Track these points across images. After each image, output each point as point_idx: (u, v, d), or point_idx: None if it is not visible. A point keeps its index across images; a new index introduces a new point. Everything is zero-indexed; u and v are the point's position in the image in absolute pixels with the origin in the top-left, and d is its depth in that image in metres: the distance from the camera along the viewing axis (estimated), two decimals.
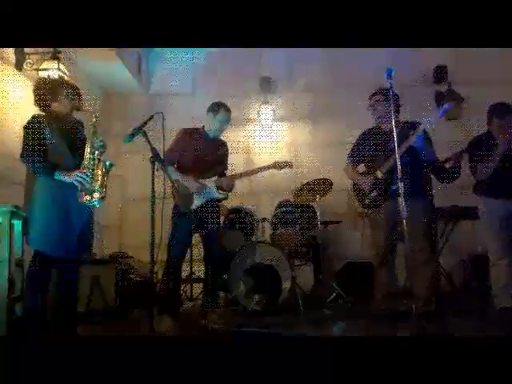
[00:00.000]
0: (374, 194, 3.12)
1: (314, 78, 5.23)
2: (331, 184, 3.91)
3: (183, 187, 3.12)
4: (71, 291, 2.57)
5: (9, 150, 3.48)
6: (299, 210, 3.91)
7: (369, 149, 3.21)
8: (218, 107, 3.30)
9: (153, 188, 2.58)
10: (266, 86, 5.24)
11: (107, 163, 2.54)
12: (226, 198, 3.38)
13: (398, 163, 2.44)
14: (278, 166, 3.42)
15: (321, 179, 3.88)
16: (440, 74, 5.04)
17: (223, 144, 3.45)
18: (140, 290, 3.83)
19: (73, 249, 2.47)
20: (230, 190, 3.35)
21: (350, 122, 4.94)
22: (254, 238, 3.88)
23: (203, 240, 3.28)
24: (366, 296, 3.53)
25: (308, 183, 3.85)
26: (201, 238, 3.33)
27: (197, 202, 3.13)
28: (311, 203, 4.18)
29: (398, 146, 2.52)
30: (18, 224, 2.49)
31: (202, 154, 3.22)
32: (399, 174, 2.42)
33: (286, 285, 3.46)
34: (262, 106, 5.22)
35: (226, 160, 3.46)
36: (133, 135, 2.61)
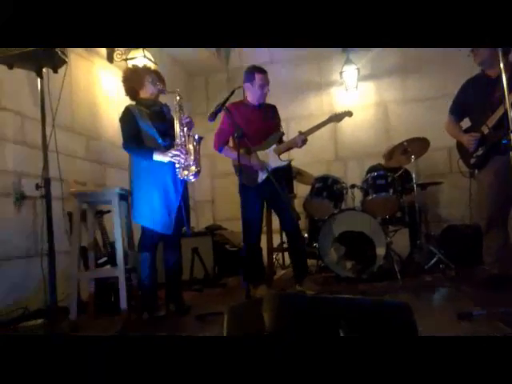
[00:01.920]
0: (480, 152, 2.78)
1: None
2: (428, 143, 3.60)
3: (245, 165, 2.97)
4: (176, 261, 2.78)
5: (112, 139, 3.81)
6: (392, 173, 3.68)
7: (473, 100, 2.83)
8: (252, 73, 3.11)
9: (239, 163, 2.63)
10: None
11: (196, 137, 2.65)
12: (289, 166, 3.24)
13: (510, 113, 2.12)
14: (335, 118, 3.15)
15: (415, 138, 3.59)
16: None
17: (273, 108, 3.26)
18: (235, 259, 4.00)
19: (174, 222, 2.66)
20: (302, 145, 3.13)
21: (446, 73, 4.49)
22: (343, 206, 3.78)
23: (275, 211, 3.24)
24: (472, 261, 3.26)
25: (401, 144, 3.60)
26: (273, 210, 3.30)
27: (262, 176, 3.02)
28: (405, 165, 3.92)
29: (509, 93, 2.19)
30: (125, 204, 2.76)
31: (254, 124, 3.07)
32: (511, 126, 2.10)
33: (381, 251, 3.33)
34: (344, 67, 4.96)
35: (280, 124, 3.27)
36: (216, 113, 2.67)
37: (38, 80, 2.35)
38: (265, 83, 3.08)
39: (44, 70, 2.36)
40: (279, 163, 3.09)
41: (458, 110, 2.96)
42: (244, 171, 2.81)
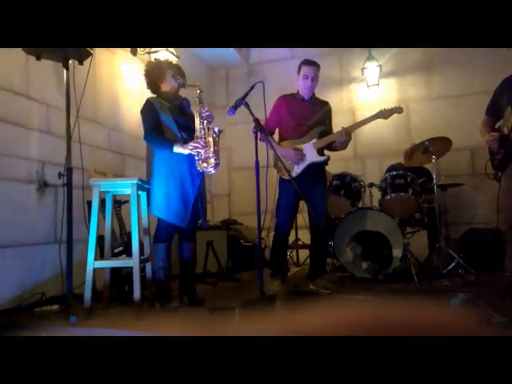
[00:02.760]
0: (500, 154, 2.70)
1: None
2: (450, 143, 3.53)
3: (281, 157, 3.03)
4: (191, 254, 2.81)
5: (132, 131, 3.86)
6: (412, 173, 3.62)
7: (506, 99, 2.69)
8: (299, 66, 3.13)
9: (256, 157, 2.64)
10: None
11: (216, 130, 2.67)
12: (327, 161, 3.20)
13: None
14: (383, 114, 3.07)
15: (437, 138, 3.52)
16: None
17: (323, 103, 3.24)
18: (249, 255, 4.01)
19: (190, 215, 2.68)
20: (344, 148, 3.12)
21: (474, 70, 4.37)
22: (360, 204, 3.74)
23: (308, 206, 3.23)
24: (493, 267, 3.18)
25: (422, 143, 3.53)
26: (306, 205, 3.29)
27: (297, 170, 3.06)
28: (425, 165, 3.86)
29: None
30: (143, 195, 2.80)
31: (299, 116, 3.09)
32: None
33: (398, 252, 3.29)
34: (366, 63, 4.89)
35: (329, 119, 3.23)
36: (236, 107, 2.68)
37: (64, 71, 2.40)
38: (308, 75, 3.06)
39: (70, 61, 2.40)
40: (316, 158, 3.05)
41: (492, 109, 2.82)
42: (280, 163, 2.84)
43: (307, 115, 3.10)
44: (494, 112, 2.78)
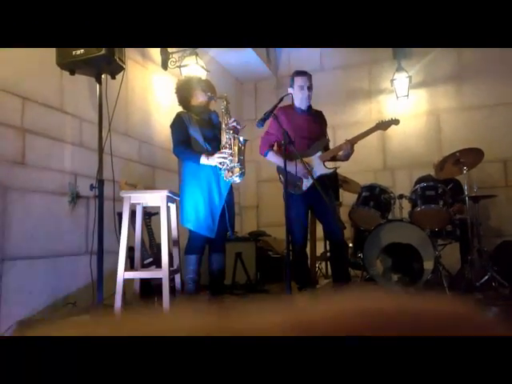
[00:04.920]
0: None
1: None
2: (482, 154, 3.43)
3: (289, 171, 2.89)
4: (220, 265, 2.82)
5: (162, 143, 3.94)
6: (442, 184, 3.53)
7: None
8: (292, 77, 3.11)
9: (285, 169, 2.63)
10: (400, 50, 4.83)
11: (241, 139, 2.69)
12: (334, 173, 3.16)
13: None
14: (382, 126, 3.06)
15: (469, 149, 3.43)
16: None
17: (319, 114, 3.21)
18: (278, 266, 3.98)
19: (218, 226, 2.68)
20: (347, 159, 3.11)
21: (507, 79, 4.26)
22: (390, 216, 3.67)
23: (320, 219, 3.18)
24: None
25: (453, 155, 3.45)
26: (318, 218, 3.24)
27: (306, 183, 2.97)
28: (456, 177, 3.76)
29: None
30: (173, 207, 2.83)
31: (300, 129, 3.03)
32: None
33: (429, 265, 3.20)
34: (396, 74, 4.84)
35: (325, 130, 3.20)
36: (265, 119, 2.69)
37: (97, 86, 2.47)
38: (303, 85, 3.05)
39: (103, 76, 2.47)
40: (324, 171, 3.03)
41: None
42: (289, 178, 2.79)
43: (307, 127, 3.07)
44: None
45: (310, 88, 3.08)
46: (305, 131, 3.05)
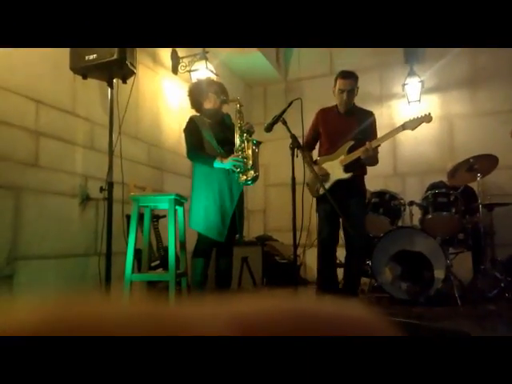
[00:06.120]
0: None
1: None
2: (496, 160, 3.37)
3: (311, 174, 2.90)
4: (227, 268, 2.82)
5: (171, 147, 3.96)
6: (455, 191, 3.48)
7: None
8: (335, 79, 3.03)
9: (293, 174, 2.62)
10: (413, 55, 4.78)
11: (254, 142, 2.70)
12: (351, 179, 3.06)
13: None
14: (410, 125, 2.92)
15: (483, 155, 3.37)
16: None
17: (365, 115, 3.08)
18: (284, 271, 3.96)
19: (227, 230, 2.69)
20: (374, 163, 2.99)
21: None
22: (400, 223, 3.62)
23: (344, 223, 3.14)
24: None
25: (467, 161, 3.39)
26: (343, 221, 3.19)
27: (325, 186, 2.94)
28: (469, 184, 3.70)
29: None
30: (180, 210, 2.84)
31: (333, 132, 3.00)
32: None
33: (440, 274, 3.15)
34: (407, 79, 4.79)
35: (373, 131, 3.05)
36: (273, 124, 2.69)
37: (109, 90, 2.50)
38: (344, 89, 2.95)
39: (114, 80, 2.50)
40: (341, 176, 2.93)
41: None
42: (309, 182, 2.79)
43: (342, 130, 2.99)
44: None
45: (350, 91, 2.97)
46: (336, 134, 2.98)
